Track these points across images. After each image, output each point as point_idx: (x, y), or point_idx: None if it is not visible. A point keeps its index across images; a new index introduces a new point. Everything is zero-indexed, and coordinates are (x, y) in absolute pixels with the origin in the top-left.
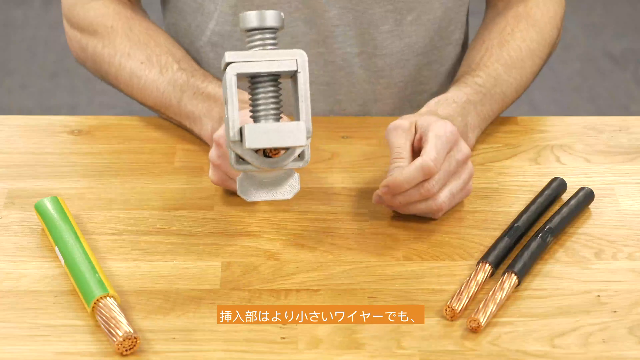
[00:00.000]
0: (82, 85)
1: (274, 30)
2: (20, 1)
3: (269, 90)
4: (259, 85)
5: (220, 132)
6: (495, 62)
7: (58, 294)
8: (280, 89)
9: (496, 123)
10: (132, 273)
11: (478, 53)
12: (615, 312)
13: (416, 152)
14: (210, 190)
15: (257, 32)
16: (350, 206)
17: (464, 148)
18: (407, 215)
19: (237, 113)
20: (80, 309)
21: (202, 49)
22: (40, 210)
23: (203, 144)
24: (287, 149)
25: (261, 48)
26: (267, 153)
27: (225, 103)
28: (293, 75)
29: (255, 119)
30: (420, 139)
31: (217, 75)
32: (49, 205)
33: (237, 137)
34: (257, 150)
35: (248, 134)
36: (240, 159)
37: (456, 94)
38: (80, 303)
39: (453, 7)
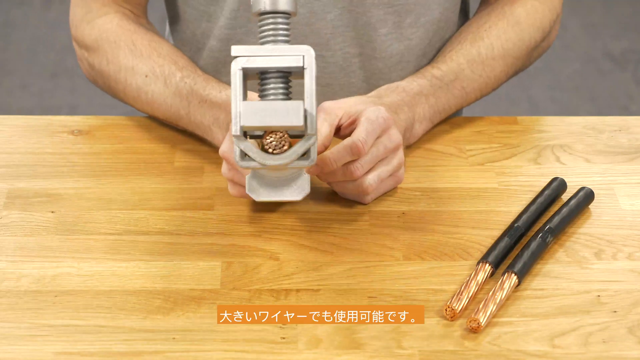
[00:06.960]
0: (82, 85)
1: (286, 15)
2: (20, 1)
3: (279, 81)
4: (269, 77)
5: (224, 147)
6: (461, 56)
7: (58, 294)
8: (290, 81)
9: (496, 123)
10: (132, 273)
11: (450, 46)
12: (615, 312)
13: (348, 135)
14: (211, 190)
15: (269, 16)
16: (350, 206)
17: (394, 136)
18: (407, 216)
19: (240, 107)
20: (81, 308)
21: (207, 54)
22: None
23: (203, 144)
24: (289, 144)
25: (272, 37)
26: (268, 149)
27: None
28: (300, 71)
29: None
30: (353, 122)
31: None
32: None
33: (240, 132)
34: (262, 149)
35: (244, 111)
36: (245, 155)
37: (409, 84)
38: (80, 303)
39: (450, 7)
